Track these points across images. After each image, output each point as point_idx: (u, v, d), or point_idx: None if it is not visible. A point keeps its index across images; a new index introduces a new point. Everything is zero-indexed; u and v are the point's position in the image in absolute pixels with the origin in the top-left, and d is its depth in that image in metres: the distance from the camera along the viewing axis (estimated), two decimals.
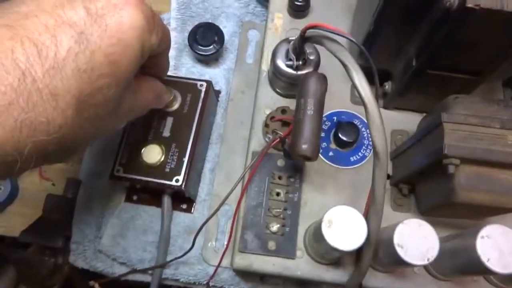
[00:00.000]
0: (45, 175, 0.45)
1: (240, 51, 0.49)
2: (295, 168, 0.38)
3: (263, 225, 0.36)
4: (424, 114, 0.39)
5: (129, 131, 0.39)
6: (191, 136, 0.38)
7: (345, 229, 0.28)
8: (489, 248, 0.27)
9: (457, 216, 0.35)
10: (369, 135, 0.38)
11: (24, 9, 0.21)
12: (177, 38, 0.48)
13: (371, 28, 0.34)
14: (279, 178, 0.37)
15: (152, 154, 0.37)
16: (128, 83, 0.25)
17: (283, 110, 0.39)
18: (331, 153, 0.39)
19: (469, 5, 0.26)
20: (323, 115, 0.39)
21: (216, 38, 0.46)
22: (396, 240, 0.28)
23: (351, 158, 0.39)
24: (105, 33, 0.22)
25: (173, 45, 0.48)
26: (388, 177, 0.38)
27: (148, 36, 0.25)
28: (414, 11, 0.31)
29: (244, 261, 0.35)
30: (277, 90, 0.41)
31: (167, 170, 0.37)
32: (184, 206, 0.42)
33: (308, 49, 0.37)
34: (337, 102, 0.41)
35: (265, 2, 0.49)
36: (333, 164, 0.38)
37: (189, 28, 0.47)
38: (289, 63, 0.37)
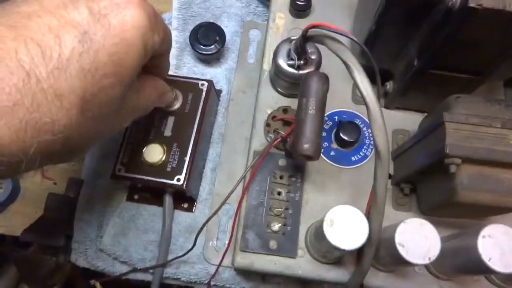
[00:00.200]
0: (47, 174, 0.45)
1: (241, 50, 0.49)
2: (297, 167, 0.38)
3: (264, 224, 0.36)
4: (426, 114, 0.39)
5: (131, 130, 0.39)
6: (193, 135, 0.38)
7: (347, 228, 0.28)
8: (491, 248, 0.27)
9: (459, 215, 0.35)
10: (370, 135, 0.38)
11: (26, 9, 0.21)
12: (179, 37, 0.48)
13: (372, 28, 0.34)
14: (281, 177, 0.37)
15: (154, 153, 0.37)
16: (131, 82, 0.25)
17: (285, 110, 0.39)
18: (332, 153, 0.39)
19: (471, 4, 0.26)
20: (325, 115, 0.39)
21: (217, 38, 0.46)
22: (398, 239, 0.28)
23: (353, 158, 0.39)
24: (108, 32, 0.22)
25: (174, 44, 0.48)
26: (390, 176, 0.38)
27: (150, 36, 0.25)
28: (416, 10, 0.31)
29: (245, 260, 0.35)
30: (279, 89, 0.41)
31: (169, 169, 0.37)
32: (185, 205, 0.42)
33: (309, 48, 0.37)
34: (339, 101, 0.41)
35: (266, 1, 0.49)
36: (334, 164, 0.39)
37: (191, 28, 0.47)
38: (291, 62, 0.37)
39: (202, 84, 0.40)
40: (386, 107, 0.41)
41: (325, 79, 0.32)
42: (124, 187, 0.43)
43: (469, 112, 0.30)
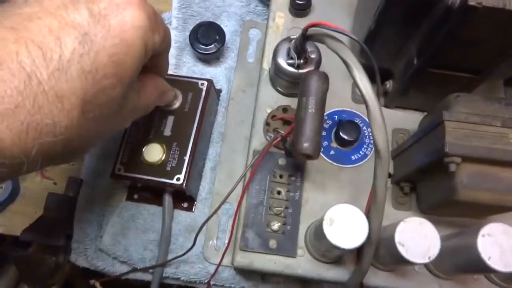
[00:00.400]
0: (46, 174, 0.45)
1: (241, 50, 0.49)
2: (296, 166, 0.38)
3: (264, 223, 0.36)
4: (426, 113, 0.39)
5: (130, 130, 0.39)
6: (192, 134, 0.38)
7: (346, 227, 0.28)
8: (490, 246, 0.27)
9: (458, 214, 0.35)
10: (370, 134, 0.38)
11: (27, 11, 0.21)
12: (178, 37, 0.48)
13: (372, 27, 0.34)
14: (280, 176, 0.37)
15: (153, 152, 0.37)
16: (132, 82, 0.25)
17: (284, 109, 0.39)
18: (332, 152, 0.39)
19: (471, 3, 0.26)
20: (325, 114, 0.39)
21: (217, 37, 0.46)
22: (397, 238, 0.28)
23: (352, 157, 0.39)
24: (108, 33, 0.22)
25: (174, 44, 0.48)
26: (389, 175, 0.38)
27: (151, 35, 0.25)
28: (416, 9, 0.31)
29: (245, 259, 0.35)
30: (278, 88, 0.41)
31: (168, 168, 0.37)
32: (185, 205, 0.42)
33: (309, 47, 0.37)
34: (339, 100, 0.41)
35: (266, 1, 0.49)
36: (334, 163, 0.38)
37: (190, 27, 0.47)
38: (291, 61, 0.37)
39: (202, 84, 0.40)
40: (386, 106, 0.41)
41: (324, 78, 0.32)
42: (124, 186, 0.43)
43: (468, 110, 0.30)
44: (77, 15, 0.22)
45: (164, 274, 0.40)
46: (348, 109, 0.41)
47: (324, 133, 0.39)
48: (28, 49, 0.19)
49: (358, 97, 0.40)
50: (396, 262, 0.31)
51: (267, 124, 0.39)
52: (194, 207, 0.42)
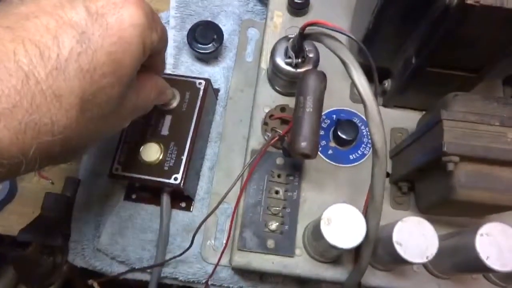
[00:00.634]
0: (44, 174, 0.44)
1: (239, 49, 0.49)
2: (294, 166, 0.38)
3: (262, 223, 0.35)
4: (424, 112, 0.39)
5: (128, 129, 0.39)
6: (190, 134, 0.38)
7: (344, 227, 0.28)
8: (488, 246, 0.27)
9: (457, 214, 0.35)
10: (368, 133, 0.38)
11: (24, 10, 0.21)
12: (176, 36, 0.48)
13: (370, 26, 0.34)
14: (278, 176, 0.37)
15: (151, 152, 0.37)
16: (131, 81, 0.25)
17: (282, 108, 0.39)
18: (330, 151, 0.39)
19: (469, 1, 0.26)
20: (323, 113, 0.39)
21: (215, 36, 0.46)
22: (395, 238, 0.28)
23: (351, 156, 0.39)
24: (106, 32, 0.22)
25: (172, 43, 0.48)
26: (388, 175, 0.38)
27: (149, 34, 0.25)
28: (414, 8, 0.31)
29: (243, 259, 0.35)
30: (276, 88, 0.41)
31: (166, 168, 0.37)
32: (183, 205, 0.42)
33: (307, 46, 0.37)
34: (337, 100, 0.41)
35: (264, 0, 0.49)
36: (332, 162, 0.38)
37: (188, 27, 0.47)
38: (288, 61, 0.37)
39: (200, 83, 0.40)
40: (384, 105, 0.41)
41: (322, 77, 0.32)
42: (122, 186, 0.43)
43: (467, 109, 0.30)
44: (75, 13, 0.21)
45: (162, 274, 0.40)
46: (347, 109, 0.41)
47: (322, 132, 0.39)
48: (25, 48, 0.19)
49: (357, 97, 0.40)
50: (394, 261, 0.31)
51: (265, 123, 0.39)
52: (192, 207, 0.42)
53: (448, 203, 0.31)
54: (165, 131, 0.38)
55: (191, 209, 0.42)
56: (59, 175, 0.44)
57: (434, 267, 0.34)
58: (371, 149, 0.38)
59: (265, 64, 0.42)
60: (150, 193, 0.42)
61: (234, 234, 0.36)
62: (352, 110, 0.40)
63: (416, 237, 0.28)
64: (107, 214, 0.42)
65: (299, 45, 0.34)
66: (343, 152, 0.39)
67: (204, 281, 0.40)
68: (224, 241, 0.39)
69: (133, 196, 0.43)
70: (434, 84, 0.35)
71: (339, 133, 0.38)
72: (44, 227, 0.40)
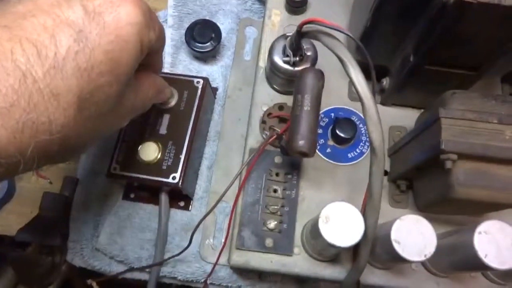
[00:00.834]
0: (42, 174, 0.44)
1: (237, 48, 0.49)
2: (293, 164, 0.38)
3: (260, 222, 0.35)
4: (423, 110, 0.39)
5: (126, 128, 0.38)
6: (188, 133, 0.38)
7: (342, 225, 0.28)
8: (487, 244, 0.27)
9: (455, 212, 0.35)
10: (366, 131, 0.38)
11: (21, 9, 0.21)
12: (174, 35, 0.48)
13: (368, 23, 0.34)
14: (277, 175, 0.37)
15: (149, 151, 0.37)
16: (128, 80, 0.25)
17: (280, 107, 0.39)
18: (328, 150, 0.39)
19: None
20: (321, 112, 0.39)
21: (213, 35, 0.46)
22: (394, 236, 0.28)
23: (349, 155, 0.39)
24: (103, 30, 0.22)
25: (170, 42, 0.48)
26: (386, 173, 0.38)
27: (146, 32, 0.25)
28: (411, 6, 0.31)
29: (241, 258, 0.35)
30: (274, 86, 0.41)
31: (164, 167, 0.37)
32: (182, 204, 0.42)
33: (305, 45, 0.37)
34: (335, 98, 0.41)
35: None
36: (330, 161, 0.38)
37: (186, 25, 0.47)
38: (286, 59, 0.37)
39: (198, 82, 0.40)
40: (383, 103, 0.40)
41: (320, 75, 0.31)
42: (120, 185, 0.43)
43: (465, 107, 0.30)
44: (72, 12, 0.21)
45: (161, 273, 0.40)
46: (345, 107, 0.40)
47: (320, 131, 0.39)
48: (22, 47, 0.19)
49: (355, 95, 0.40)
50: (392, 260, 0.31)
51: (263, 122, 0.39)
52: (190, 206, 0.42)
53: (447, 201, 0.31)
54: (163, 130, 0.38)
55: (189, 208, 0.42)
56: (57, 175, 0.44)
57: (432, 265, 0.34)
58: (369, 147, 0.38)
59: (263, 62, 0.42)
60: (149, 193, 0.42)
61: (233, 233, 0.36)
62: (351, 109, 0.40)
63: (414, 235, 0.28)
64: (106, 213, 0.42)
65: (296, 43, 0.34)
66: (342, 151, 0.39)
67: (203, 280, 0.40)
68: (223, 240, 0.39)
69: (132, 196, 0.43)
70: (432, 82, 0.35)
71: (337, 131, 0.38)
72: (42, 226, 0.40)
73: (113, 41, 0.22)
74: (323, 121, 0.40)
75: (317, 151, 0.38)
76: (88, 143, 0.26)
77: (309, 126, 0.30)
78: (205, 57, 0.48)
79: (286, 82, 0.38)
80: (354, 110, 0.40)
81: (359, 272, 0.32)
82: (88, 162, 0.44)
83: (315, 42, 0.34)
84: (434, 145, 0.29)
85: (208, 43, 0.46)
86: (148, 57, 0.27)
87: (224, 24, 0.49)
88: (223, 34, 0.47)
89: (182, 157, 0.37)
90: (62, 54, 0.20)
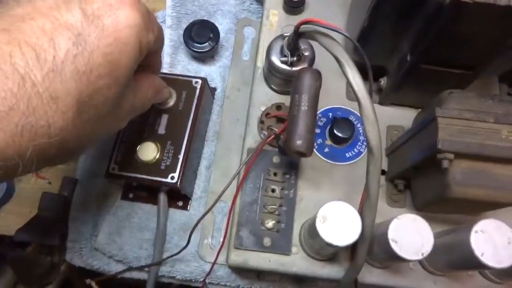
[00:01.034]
0: (41, 174, 0.45)
1: (236, 48, 0.49)
2: (291, 164, 0.38)
3: (258, 221, 0.36)
4: (420, 110, 0.39)
5: (125, 129, 0.38)
6: (186, 133, 0.38)
7: (340, 224, 0.28)
8: (483, 243, 0.27)
9: (453, 211, 0.35)
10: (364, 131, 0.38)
11: (19, 12, 0.21)
12: (173, 35, 0.48)
13: (365, 24, 0.34)
14: (275, 174, 0.37)
15: (147, 151, 0.37)
16: (127, 81, 0.25)
17: (278, 107, 0.39)
18: (326, 149, 0.39)
19: None
20: (319, 111, 0.39)
21: (211, 35, 0.46)
22: (391, 235, 0.28)
23: (347, 154, 0.39)
24: (102, 33, 0.22)
25: (168, 42, 0.48)
26: (384, 173, 0.38)
27: (145, 34, 0.25)
28: (408, 6, 0.31)
29: (240, 257, 0.35)
30: (272, 86, 0.41)
31: (163, 167, 0.37)
32: (180, 204, 0.42)
33: (302, 45, 0.37)
34: (333, 98, 0.41)
35: None
36: (328, 160, 0.38)
37: (184, 26, 0.47)
38: (284, 59, 0.37)
39: (196, 82, 0.40)
40: (380, 103, 0.41)
41: (317, 75, 0.32)
42: (119, 185, 0.43)
43: (462, 107, 0.30)
44: (70, 15, 0.21)
45: (160, 272, 0.40)
46: (343, 107, 0.41)
47: (318, 130, 0.39)
48: (21, 51, 0.19)
49: (353, 95, 0.40)
50: (390, 259, 0.31)
51: (261, 122, 0.39)
52: (189, 206, 0.42)
53: (444, 200, 0.31)
54: (161, 130, 0.38)
55: (188, 208, 0.42)
56: (56, 175, 0.44)
57: (430, 264, 0.34)
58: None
59: (261, 62, 0.42)
60: (147, 192, 0.42)
61: (231, 232, 0.36)
62: (348, 108, 0.40)
63: (412, 234, 0.28)
64: (105, 213, 0.42)
65: (294, 44, 0.34)
66: (339, 150, 0.39)
67: (201, 279, 0.40)
68: (221, 240, 0.39)
69: (130, 196, 0.43)
70: (429, 81, 0.35)
71: (335, 131, 0.38)
72: (41, 226, 0.40)
73: (112, 43, 0.22)
74: (321, 121, 0.40)
75: (315, 150, 0.39)
76: (87, 145, 0.26)
77: (307, 126, 0.30)
78: (204, 57, 0.48)
79: (284, 82, 0.39)
80: (352, 110, 0.40)
81: (356, 271, 0.32)
82: (87, 162, 0.44)
83: (313, 43, 0.34)
84: (431, 145, 0.29)
85: (206, 43, 0.46)
86: (147, 58, 0.27)
87: (222, 25, 0.49)
88: (221, 34, 0.47)
89: (181, 157, 0.37)
90: (60, 58, 0.20)
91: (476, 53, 0.31)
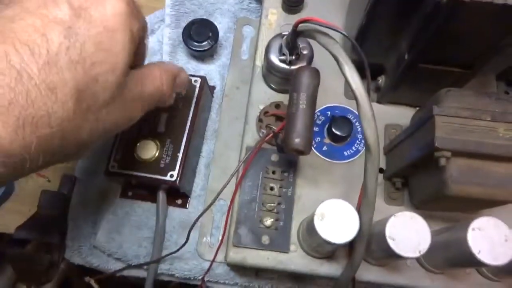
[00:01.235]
0: (41, 172, 0.45)
1: (235, 47, 0.49)
2: (289, 162, 0.38)
3: (257, 219, 0.36)
4: (418, 108, 0.39)
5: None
6: (186, 131, 0.38)
7: (337, 222, 0.29)
8: (480, 240, 0.28)
9: (450, 209, 0.36)
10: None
11: (9, 13, 0.21)
12: (172, 34, 0.48)
13: (363, 22, 0.34)
14: (273, 172, 0.37)
15: (147, 149, 0.37)
16: (126, 69, 0.25)
17: (277, 105, 0.39)
18: (325, 148, 0.39)
19: None
20: (317, 110, 0.39)
21: (210, 34, 0.46)
22: (388, 232, 0.28)
23: (345, 153, 0.39)
24: (90, 24, 0.23)
25: (167, 41, 0.48)
26: (382, 171, 0.38)
27: (133, 22, 0.25)
28: (406, 5, 0.31)
29: (238, 255, 0.35)
30: (271, 85, 0.41)
31: (162, 165, 0.37)
32: (179, 202, 0.42)
33: (301, 43, 0.37)
34: (331, 97, 0.41)
35: None
36: (327, 159, 0.39)
37: (184, 25, 0.47)
38: (283, 58, 0.37)
39: (195, 80, 0.40)
40: (379, 102, 0.41)
41: (316, 74, 0.32)
42: (118, 183, 0.43)
43: (459, 105, 0.30)
44: (58, 10, 0.22)
45: (159, 270, 0.40)
46: (341, 105, 0.41)
47: (317, 129, 0.39)
48: (15, 48, 0.20)
49: (351, 93, 0.40)
50: (387, 256, 0.31)
51: (260, 120, 0.39)
52: (188, 204, 0.43)
53: (441, 198, 0.31)
54: (161, 128, 0.38)
55: (187, 206, 0.42)
56: (56, 173, 0.44)
57: (427, 262, 0.34)
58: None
59: (260, 61, 0.42)
60: (147, 191, 0.42)
61: (229, 230, 0.36)
62: (347, 107, 0.41)
63: (409, 232, 0.28)
64: (104, 211, 0.42)
65: (292, 42, 0.35)
66: (338, 149, 0.39)
67: (200, 277, 0.40)
68: (220, 238, 0.39)
69: (130, 194, 0.43)
70: (427, 80, 0.35)
71: (333, 129, 0.38)
72: (40, 224, 0.40)
73: (102, 32, 0.23)
74: (320, 119, 0.40)
75: (313, 149, 0.39)
76: (93, 137, 0.26)
77: (305, 124, 0.30)
78: (203, 56, 0.48)
79: (282, 80, 0.39)
80: (350, 109, 0.40)
81: (354, 269, 0.32)
82: (86, 160, 0.44)
83: (312, 41, 0.34)
84: (428, 143, 0.29)
85: (206, 42, 0.46)
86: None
87: (222, 23, 0.49)
88: (221, 33, 0.47)
89: (180, 155, 0.37)
90: (54, 50, 0.21)
91: (474, 51, 0.31)
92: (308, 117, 0.31)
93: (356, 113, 0.40)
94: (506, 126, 0.29)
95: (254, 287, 0.40)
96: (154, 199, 0.41)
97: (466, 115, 0.29)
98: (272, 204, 0.36)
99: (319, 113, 0.40)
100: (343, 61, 0.28)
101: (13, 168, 0.20)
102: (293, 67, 0.37)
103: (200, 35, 0.46)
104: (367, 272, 0.35)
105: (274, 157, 0.38)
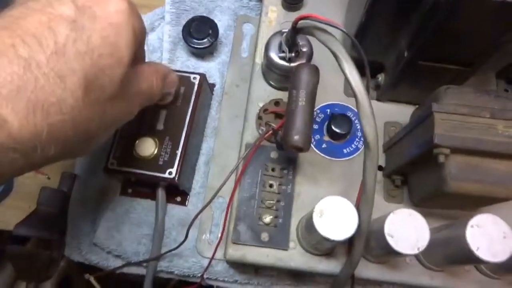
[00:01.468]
0: (40, 169, 0.45)
1: (234, 44, 0.49)
2: (288, 160, 0.38)
3: (256, 216, 0.36)
4: (417, 106, 0.39)
5: (123, 124, 0.39)
6: (185, 129, 0.38)
7: (336, 219, 0.29)
8: (479, 237, 0.28)
9: (449, 207, 0.36)
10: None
11: (16, 13, 0.22)
12: (172, 31, 0.48)
13: (363, 20, 0.34)
14: (272, 170, 0.37)
15: (146, 147, 0.37)
16: (130, 64, 0.26)
17: (276, 102, 0.39)
18: (324, 145, 0.39)
19: None
20: (317, 107, 0.39)
21: (210, 32, 0.46)
22: (387, 230, 0.28)
23: (344, 150, 0.39)
24: (95, 20, 0.23)
25: (167, 38, 0.48)
26: (381, 168, 0.38)
27: (136, 18, 0.26)
28: (405, 2, 0.31)
29: (237, 252, 0.35)
30: (271, 82, 0.41)
31: (161, 163, 0.37)
32: (179, 199, 0.42)
33: (300, 41, 0.37)
34: (331, 94, 0.41)
35: None
36: (326, 156, 0.39)
37: (183, 22, 0.47)
38: (282, 55, 0.37)
39: (194, 78, 0.40)
40: (378, 99, 0.41)
41: (315, 71, 0.32)
42: (118, 181, 0.43)
43: (458, 102, 0.30)
44: (64, 8, 0.23)
45: (158, 268, 0.40)
46: (341, 103, 0.41)
47: (316, 126, 0.39)
48: (23, 40, 0.20)
49: (350, 91, 0.40)
50: (386, 253, 0.32)
51: (259, 117, 0.39)
52: (187, 201, 0.43)
53: (440, 195, 0.31)
54: (160, 125, 0.38)
55: (186, 204, 0.42)
56: (56, 170, 0.44)
57: (426, 259, 0.34)
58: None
59: (259, 59, 0.42)
60: (146, 188, 0.42)
61: (229, 227, 0.36)
62: (346, 104, 0.41)
63: (408, 229, 0.28)
64: (103, 208, 0.42)
65: (292, 39, 0.35)
66: (337, 146, 0.39)
67: (199, 274, 0.40)
68: (219, 235, 0.39)
69: (129, 191, 0.43)
70: (426, 77, 0.35)
71: (333, 127, 0.38)
72: (40, 221, 0.40)
73: (107, 27, 0.24)
74: (319, 117, 0.40)
75: (312, 146, 0.39)
76: (101, 131, 0.26)
77: (304, 121, 0.30)
78: (203, 54, 0.48)
79: (282, 78, 0.39)
80: (350, 106, 0.40)
81: (353, 266, 0.32)
82: (86, 158, 0.44)
83: (311, 38, 0.34)
84: (427, 140, 0.29)
85: (205, 40, 0.46)
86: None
87: (222, 21, 0.49)
88: (221, 31, 0.47)
89: (179, 152, 0.37)
90: (61, 42, 0.21)
91: (473, 49, 0.31)
92: (307, 114, 0.31)
93: (356, 110, 0.40)
94: (505, 123, 0.29)
95: (254, 284, 0.40)
96: (153, 197, 0.41)
97: (465, 112, 0.29)
98: (272, 201, 0.36)
99: (318, 111, 0.40)
100: (342, 59, 0.28)
101: (25, 156, 0.21)
102: (292, 64, 0.37)
103: (200, 33, 0.46)
104: (366, 269, 0.35)
105: (274, 154, 0.38)
